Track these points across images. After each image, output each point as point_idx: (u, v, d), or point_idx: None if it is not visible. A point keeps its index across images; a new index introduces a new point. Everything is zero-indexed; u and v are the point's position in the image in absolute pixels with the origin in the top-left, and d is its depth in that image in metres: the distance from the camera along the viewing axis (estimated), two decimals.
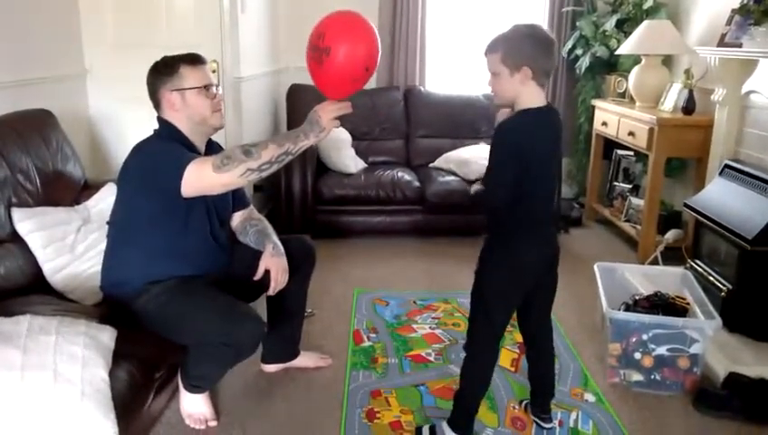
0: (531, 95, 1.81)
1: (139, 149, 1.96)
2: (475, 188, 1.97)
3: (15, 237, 2.15)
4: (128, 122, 3.44)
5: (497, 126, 1.86)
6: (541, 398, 2.18)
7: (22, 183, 2.25)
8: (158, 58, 2.03)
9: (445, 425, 2.06)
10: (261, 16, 4.24)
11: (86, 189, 2.60)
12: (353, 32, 1.77)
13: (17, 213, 2.17)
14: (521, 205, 1.83)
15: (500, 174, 1.81)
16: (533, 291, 1.98)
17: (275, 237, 2.22)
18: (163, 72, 1.98)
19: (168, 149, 1.91)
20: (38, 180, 2.33)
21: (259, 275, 2.10)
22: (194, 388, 2.07)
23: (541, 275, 1.97)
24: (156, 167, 1.87)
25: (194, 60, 2.00)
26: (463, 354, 2.03)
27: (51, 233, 2.21)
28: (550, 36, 1.82)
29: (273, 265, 2.11)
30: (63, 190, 2.48)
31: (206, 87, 1.99)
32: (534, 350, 2.17)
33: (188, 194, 1.83)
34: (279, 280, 2.12)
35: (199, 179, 1.80)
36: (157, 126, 2.04)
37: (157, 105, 2.02)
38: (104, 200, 2.47)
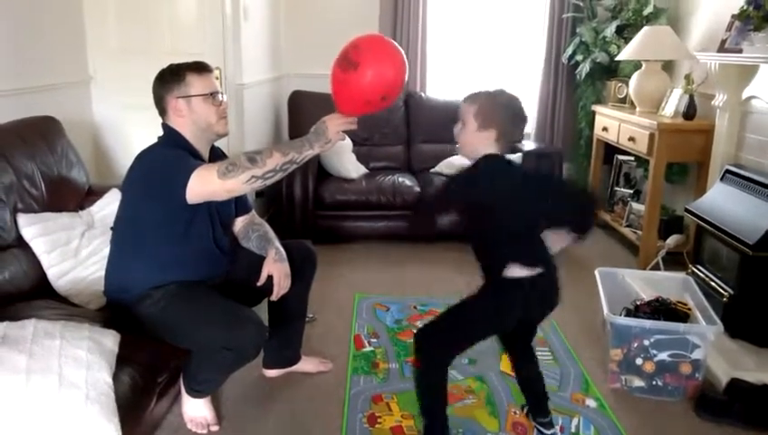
0: (486, 150, 1.87)
1: (144, 156, 1.98)
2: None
3: (21, 242, 2.17)
4: (132, 129, 3.46)
5: (470, 169, 1.89)
6: (535, 401, 2.17)
7: (27, 189, 2.27)
8: (162, 65, 2.05)
9: None
10: (263, 23, 4.26)
11: (90, 195, 2.61)
12: (387, 59, 1.82)
13: (22, 218, 2.19)
14: (502, 246, 1.87)
15: (448, 197, 1.95)
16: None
17: (277, 243, 2.24)
18: (170, 79, 2.00)
19: (172, 156, 1.93)
20: (43, 186, 2.35)
21: (262, 280, 2.12)
22: (196, 392, 2.08)
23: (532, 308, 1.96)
24: (160, 174, 1.89)
25: (200, 68, 2.02)
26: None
27: (55, 238, 2.22)
28: (524, 113, 1.91)
29: (276, 270, 2.13)
30: (68, 196, 2.49)
31: (212, 94, 2.01)
32: (515, 355, 2.17)
33: (193, 200, 1.85)
34: (282, 285, 2.13)
35: (204, 186, 1.82)
36: (161, 132, 2.05)
37: (162, 112, 2.04)
38: (108, 206, 2.49)
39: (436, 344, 1.94)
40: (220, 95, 2.04)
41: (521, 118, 1.90)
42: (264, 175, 1.81)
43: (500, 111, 1.86)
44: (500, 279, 1.87)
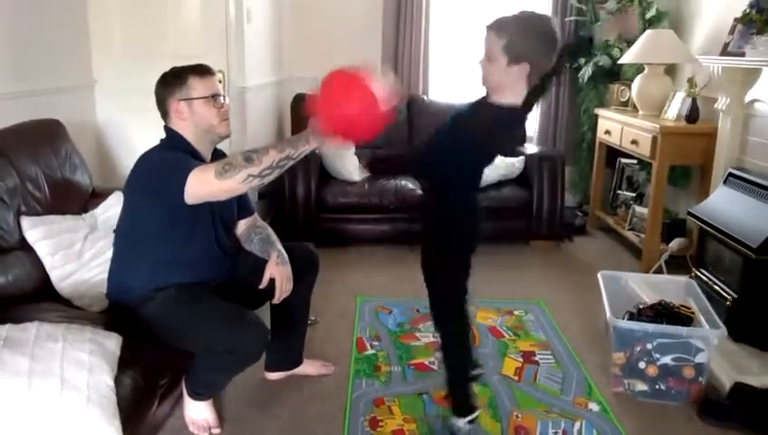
0: (515, 92, 1.76)
1: (145, 158, 1.98)
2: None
3: (24, 245, 2.17)
4: (135, 131, 3.47)
5: (496, 113, 1.81)
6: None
7: (31, 191, 2.27)
8: (165, 68, 2.05)
9: (454, 419, 2.07)
10: (266, 26, 4.27)
11: (94, 198, 2.62)
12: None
13: (26, 221, 2.19)
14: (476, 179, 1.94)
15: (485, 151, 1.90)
16: None
17: (280, 245, 2.24)
18: (172, 82, 2.01)
19: (172, 157, 1.93)
20: (47, 189, 2.35)
21: (264, 283, 2.12)
22: (198, 395, 2.08)
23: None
24: (160, 175, 1.89)
25: (202, 70, 2.03)
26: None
27: (58, 241, 2.23)
28: (557, 35, 1.75)
29: (279, 273, 2.13)
30: (71, 199, 2.50)
31: (214, 97, 2.02)
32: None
33: (192, 201, 1.85)
34: (284, 288, 2.13)
35: (202, 186, 1.82)
36: (164, 135, 2.06)
37: (164, 114, 2.04)
38: (111, 208, 2.49)
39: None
40: (222, 97, 2.05)
41: (554, 43, 1.71)
42: (261, 172, 1.80)
43: (533, 41, 1.67)
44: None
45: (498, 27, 1.73)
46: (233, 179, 1.79)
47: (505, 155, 4.06)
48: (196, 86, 2.00)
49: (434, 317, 2.13)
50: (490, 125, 1.81)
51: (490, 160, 2.04)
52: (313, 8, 4.76)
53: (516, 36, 1.69)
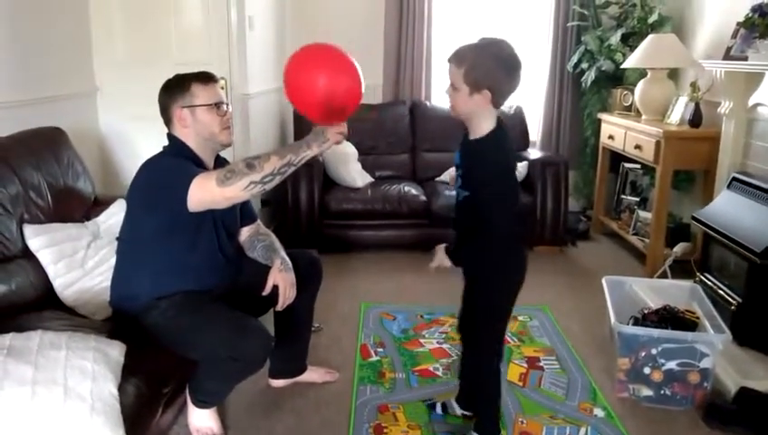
0: (484, 117, 1.82)
1: (147, 165, 1.99)
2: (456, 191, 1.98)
3: (27, 253, 2.17)
4: (137, 139, 3.48)
5: (479, 148, 1.86)
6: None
7: (34, 199, 2.27)
8: (167, 76, 2.06)
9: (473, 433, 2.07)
10: (268, 34, 4.28)
11: (96, 205, 2.62)
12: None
13: (29, 229, 2.19)
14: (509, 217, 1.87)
15: (505, 197, 1.83)
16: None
17: (283, 252, 2.24)
18: (175, 89, 2.01)
19: (175, 165, 1.94)
20: (49, 197, 2.35)
21: (267, 290, 2.12)
22: (202, 403, 2.07)
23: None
24: (163, 183, 1.90)
25: (205, 78, 2.03)
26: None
27: (61, 249, 2.23)
28: (517, 58, 1.79)
29: (282, 280, 2.12)
30: (74, 206, 2.50)
31: (217, 105, 2.02)
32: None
33: (194, 208, 1.85)
34: (287, 295, 2.13)
35: (204, 194, 1.82)
36: (166, 142, 2.06)
37: (168, 121, 2.05)
38: (114, 216, 2.49)
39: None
40: (224, 105, 2.05)
41: (515, 67, 1.75)
42: (263, 179, 1.81)
43: (492, 66, 1.72)
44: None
45: (456, 58, 1.79)
46: (235, 186, 1.79)
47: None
48: (199, 94, 2.00)
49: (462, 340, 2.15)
50: (489, 159, 1.85)
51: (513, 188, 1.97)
52: (315, 15, 4.77)
53: (474, 64, 1.75)
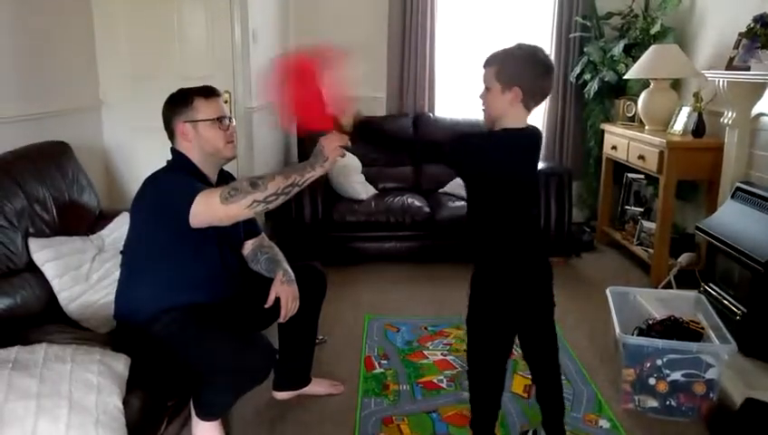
0: (515, 117, 1.82)
1: (151, 180, 2.00)
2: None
3: (32, 267, 2.18)
4: (142, 153, 3.50)
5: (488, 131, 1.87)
6: (553, 418, 2.12)
7: (39, 213, 2.29)
8: (172, 89, 2.07)
9: None
10: (272, 46, 4.31)
11: (101, 219, 2.63)
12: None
13: (34, 243, 2.20)
14: (503, 229, 1.85)
15: (462, 144, 1.86)
16: (530, 314, 1.98)
17: (286, 264, 2.24)
18: (177, 103, 2.03)
19: (178, 180, 1.94)
20: (54, 210, 2.37)
21: (270, 302, 2.12)
22: (206, 415, 2.06)
23: (533, 299, 1.97)
24: (166, 198, 1.91)
25: (208, 92, 2.05)
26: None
27: (66, 262, 2.24)
28: (549, 62, 1.82)
29: (284, 292, 2.13)
30: (79, 220, 2.51)
31: (219, 119, 2.03)
32: (537, 370, 2.15)
33: (197, 225, 1.86)
34: (290, 307, 2.13)
35: (207, 211, 1.83)
36: (170, 157, 2.08)
37: (171, 136, 2.06)
38: (118, 230, 2.51)
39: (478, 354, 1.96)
40: (227, 119, 2.06)
41: (547, 68, 1.80)
42: (266, 199, 1.82)
43: (522, 67, 1.77)
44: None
45: (490, 59, 1.84)
46: (238, 205, 1.80)
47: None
48: (202, 108, 2.01)
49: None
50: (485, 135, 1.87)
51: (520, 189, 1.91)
52: (319, 28, 4.80)
53: (505, 62, 1.79)
